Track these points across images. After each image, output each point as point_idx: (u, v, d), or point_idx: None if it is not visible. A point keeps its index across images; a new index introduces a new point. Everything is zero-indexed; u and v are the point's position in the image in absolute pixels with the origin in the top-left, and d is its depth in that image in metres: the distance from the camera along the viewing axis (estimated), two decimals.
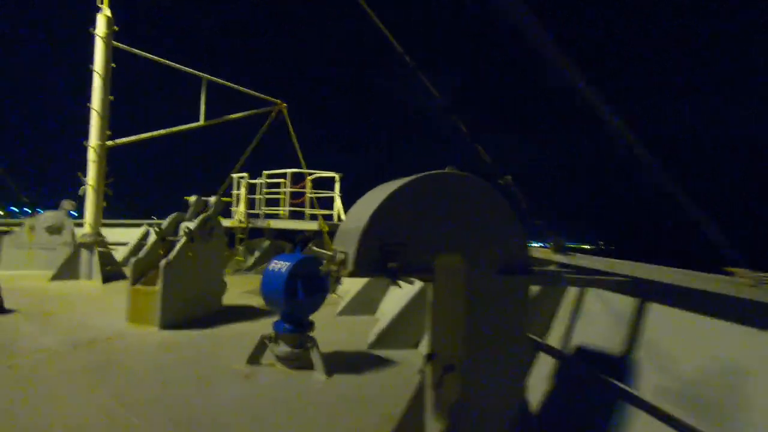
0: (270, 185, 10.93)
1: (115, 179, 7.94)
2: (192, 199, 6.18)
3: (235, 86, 10.28)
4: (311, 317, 4.10)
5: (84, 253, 7.63)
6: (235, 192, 11.44)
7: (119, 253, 12.38)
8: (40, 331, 4.65)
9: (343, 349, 4.61)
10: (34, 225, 9.52)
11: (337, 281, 1.97)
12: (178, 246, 5.34)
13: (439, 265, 2.08)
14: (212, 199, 6.14)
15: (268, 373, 3.86)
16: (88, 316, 5.41)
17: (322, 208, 10.54)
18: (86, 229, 7.72)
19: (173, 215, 5.88)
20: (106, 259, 7.74)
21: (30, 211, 12.00)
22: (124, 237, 13.07)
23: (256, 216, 11.02)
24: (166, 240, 5.66)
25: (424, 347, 4.74)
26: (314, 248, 9.47)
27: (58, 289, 6.80)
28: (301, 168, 10.40)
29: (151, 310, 5.05)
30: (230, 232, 11.35)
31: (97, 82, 7.72)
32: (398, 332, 4.87)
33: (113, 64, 7.97)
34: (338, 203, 10.20)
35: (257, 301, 7.07)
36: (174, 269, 5.21)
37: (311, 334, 4.04)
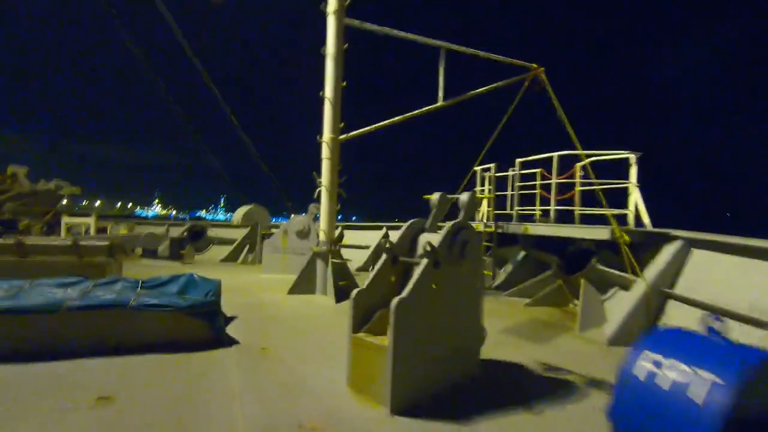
0: (525, 177, 8.27)
1: (348, 178, 6.82)
2: (434, 198, 4.12)
3: (479, 52, 8.05)
4: None
5: (319, 265, 6.73)
6: (479, 188, 9.28)
7: (360, 257, 12.08)
8: (239, 388, 3.30)
9: None
10: (287, 229, 9.62)
11: None
12: (416, 274, 3.29)
13: None
14: (464, 197, 3.91)
15: None
16: (306, 362, 3.95)
17: (600, 205, 7.21)
18: (320, 236, 6.82)
19: (409, 223, 3.91)
20: (340, 273, 6.63)
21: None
22: (364, 240, 12.80)
23: (507, 218, 8.56)
24: (399, 261, 3.74)
25: None
26: (600, 267, 6.30)
27: (289, 308, 5.92)
28: (569, 151, 7.34)
29: (379, 375, 3.14)
30: None
31: (329, 67, 6.70)
32: None
33: (345, 45, 6.85)
34: (636, 197, 6.69)
35: (528, 354, 4.54)
36: (412, 311, 3.17)
37: None
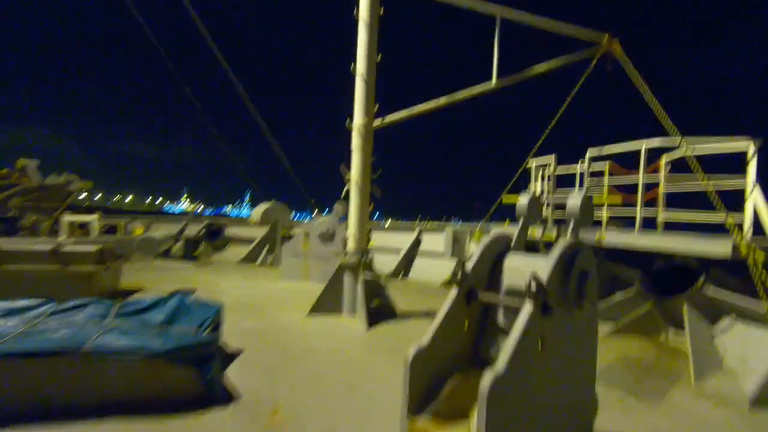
0: (597, 173, 6.82)
1: (384, 171, 5.55)
2: (522, 201, 2.79)
3: (541, 21, 6.63)
4: None
5: (347, 280, 5.48)
6: (534, 185, 7.88)
7: (389, 261, 10.82)
8: None
9: None
10: (308, 232, 8.45)
11: None
12: (516, 330, 1.99)
13: None
14: (575, 201, 2.58)
15: None
16: None
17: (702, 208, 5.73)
18: (350, 243, 5.57)
19: (490, 240, 2.59)
20: (373, 290, 5.38)
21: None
22: (394, 242, 11.52)
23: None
24: (476, 298, 2.45)
25: None
26: (711, 290, 4.82)
27: (311, 337, 4.69)
28: (662, 138, 5.85)
29: None
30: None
31: (362, 36, 5.43)
32: None
33: (381, 9, 5.57)
34: (757, 199, 5.17)
35: (640, 421, 3.19)
36: (510, 391, 1.89)
37: None
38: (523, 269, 2.42)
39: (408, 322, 5.34)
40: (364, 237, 5.56)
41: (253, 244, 13.06)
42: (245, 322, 5.00)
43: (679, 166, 6.71)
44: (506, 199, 3.89)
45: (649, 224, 7.08)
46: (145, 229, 14.76)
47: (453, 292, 2.38)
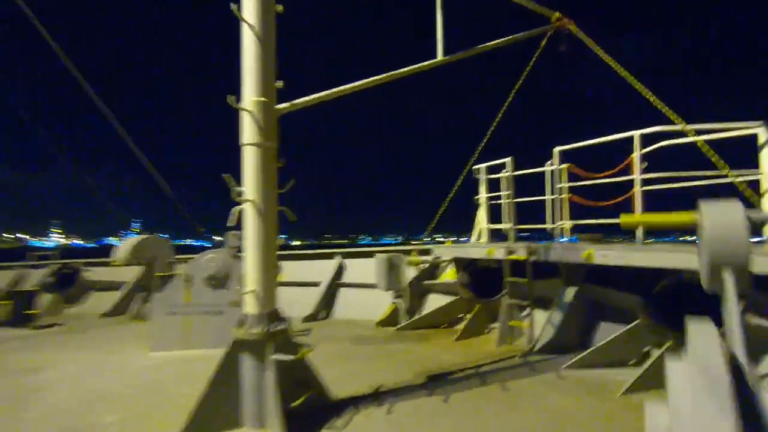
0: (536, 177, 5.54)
1: (297, 181, 3.51)
2: (712, 217, 0.98)
3: None
4: None
5: (248, 364, 3.28)
6: (482, 196, 6.41)
7: (307, 301, 8.68)
8: None
9: None
10: (191, 274, 5.98)
11: None
12: None
13: None
14: None
15: None
16: None
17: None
18: (248, 303, 3.39)
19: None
20: (294, 377, 3.27)
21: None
22: (311, 274, 9.38)
23: (536, 236, 5.77)
24: None
25: None
26: (754, 320, 3.61)
27: None
28: (658, 127, 4.69)
29: None
30: (478, 270, 6.37)
31: None
32: None
33: None
34: None
35: None
36: None
37: None
38: None
39: (357, 422, 3.31)
40: (272, 290, 3.43)
41: (123, 292, 9.93)
42: None
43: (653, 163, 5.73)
44: (624, 220, 2.31)
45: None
46: None
47: None
